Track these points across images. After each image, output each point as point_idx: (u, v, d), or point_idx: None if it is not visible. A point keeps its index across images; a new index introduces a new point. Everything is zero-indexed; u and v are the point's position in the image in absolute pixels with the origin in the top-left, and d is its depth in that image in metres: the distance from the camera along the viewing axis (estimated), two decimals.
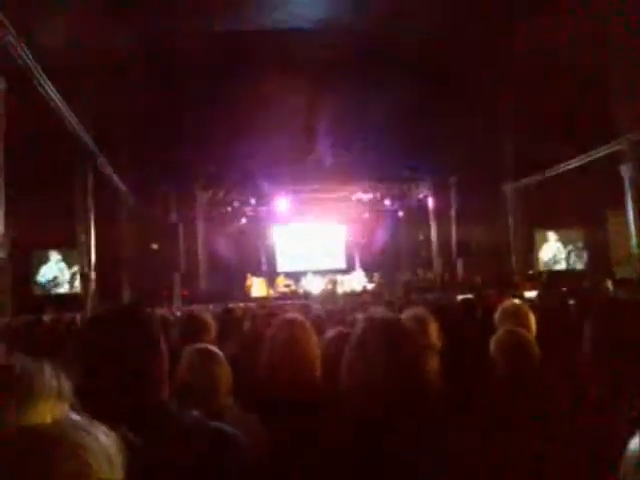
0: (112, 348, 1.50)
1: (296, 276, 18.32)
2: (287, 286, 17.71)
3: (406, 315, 2.84)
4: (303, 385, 2.53)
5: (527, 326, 3.25)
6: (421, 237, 19.85)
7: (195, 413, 1.57)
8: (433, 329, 2.98)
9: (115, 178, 14.64)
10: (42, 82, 9.49)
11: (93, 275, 13.04)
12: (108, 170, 13.92)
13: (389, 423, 1.49)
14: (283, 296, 16.30)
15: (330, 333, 2.65)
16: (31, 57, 8.82)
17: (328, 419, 1.83)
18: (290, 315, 3.12)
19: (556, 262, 18.12)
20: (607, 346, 1.61)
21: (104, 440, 0.84)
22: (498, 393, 2.54)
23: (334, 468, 1.56)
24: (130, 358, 1.49)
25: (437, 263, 18.83)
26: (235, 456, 1.50)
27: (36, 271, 15.41)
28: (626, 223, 13.74)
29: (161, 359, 1.56)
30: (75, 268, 14.37)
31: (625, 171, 13.50)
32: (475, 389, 2.53)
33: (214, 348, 2.52)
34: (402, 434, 1.47)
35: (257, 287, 17.40)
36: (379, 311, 2.03)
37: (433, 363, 2.39)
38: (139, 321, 1.58)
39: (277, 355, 2.69)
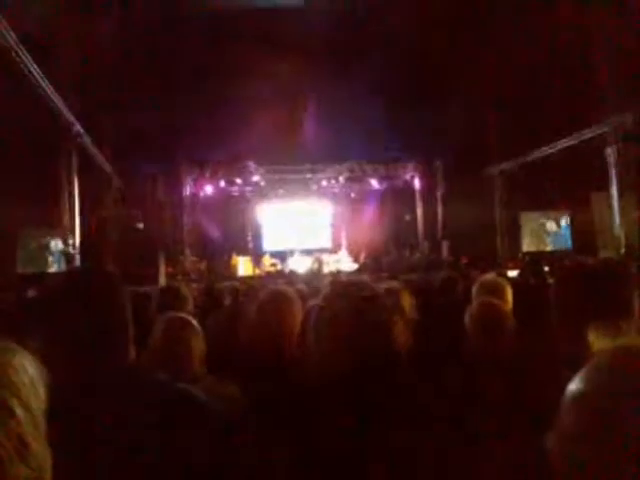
0: (71, 308, 1.45)
1: (282, 255, 18.33)
2: (273, 265, 17.73)
3: (381, 287, 2.85)
4: (285, 354, 2.55)
5: (504, 299, 3.28)
6: (407, 218, 19.90)
7: (162, 375, 1.55)
8: (407, 301, 3.00)
9: (100, 158, 14.53)
10: (25, 61, 9.34)
11: (77, 255, 12.96)
12: (93, 150, 13.80)
13: (353, 384, 1.49)
14: (269, 275, 16.31)
15: (309, 304, 2.67)
16: (14, 36, 8.67)
17: (298, 384, 1.84)
18: (277, 287, 3.14)
19: (541, 243, 18.23)
20: (571, 307, 1.64)
21: (29, 368, 0.85)
22: (470, 364, 2.57)
23: (302, 433, 1.55)
24: (91, 317, 1.45)
25: (423, 244, 18.90)
26: (202, 418, 1.46)
27: (20, 250, 15.29)
28: (610, 205, 13.85)
29: (125, 317, 1.51)
30: (59, 248, 14.28)
31: (609, 154, 13.57)
32: (448, 360, 2.56)
33: (188, 317, 2.51)
34: (367, 396, 1.48)
35: (243, 266, 17.39)
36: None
37: (402, 330, 2.41)
38: (101, 280, 1.54)
39: (261, 322, 2.70)
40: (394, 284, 3.25)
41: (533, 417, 1.13)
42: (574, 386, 0.78)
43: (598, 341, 1.51)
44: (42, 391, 0.87)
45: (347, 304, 1.54)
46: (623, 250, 13.25)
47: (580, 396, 0.76)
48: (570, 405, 0.77)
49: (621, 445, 0.69)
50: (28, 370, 0.86)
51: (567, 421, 0.76)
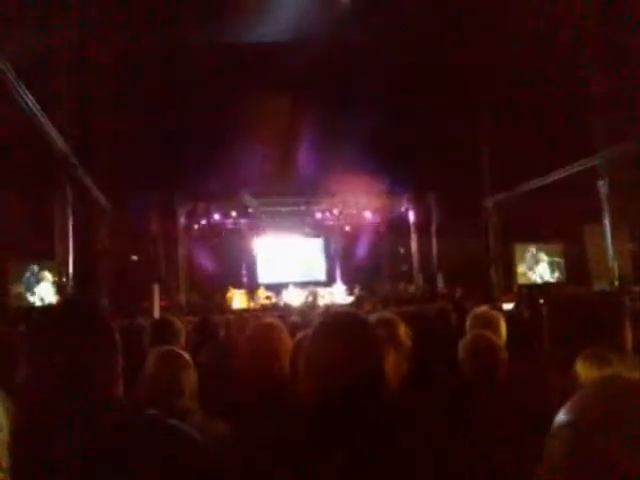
0: (58, 342, 1.43)
1: (277, 288, 18.28)
2: (267, 298, 17.67)
3: (373, 318, 2.85)
4: (276, 384, 2.54)
5: (497, 331, 3.27)
6: (402, 250, 19.93)
7: (152, 411, 1.51)
8: (402, 332, 2.98)
9: (94, 190, 14.56)
10: (20, 91, 9.40)
11: (70, 287, 12.90)
12: (87, 182, 13.84)
13: (341, 413, 1.48)
14: (263, 308, 16.25)
15: (300, 334, 2.66)
16: (8, 65, 8.73)
17: (291, 417, 1.82)
18: (267, 319, 3.14)
19: (535, 275, 18.28)
20: (563, 337, 1.64)
21: None
22: (462, 395, 2.56)
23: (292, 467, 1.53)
24: (78, 351, 1.42)
25: (417, 276, 18.90)
26: (190, 455, 1.42)
27: (13, 282, 15.22)
28: (603, 237, 13.92)
29: (112, 352, 1.49)
30: (53, 279, 14.21)
31: (602, 186, 13.68)
32: (440, 390, 2.55)
33: (180, 351, 2.49)
34: (354, 424, 1.47)
35: (238, 299, 17.33)
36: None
37: (398, 360, 2.40)
38: (86, 313, 1.51)
39: (252, 354, 2.70)
40: (390, 315, 3.24)
41: (524, 446, 1.12)
42: (561, 417, 0.78)
43: (586, 371, 1.51)
44: (5, 425, 0.85)
45: (337, 334, 1.54)
46: (617, 282, 13.28)
47: (566, 427, 0.77)
48: (557, 435, 0.78)
49: (607, 476, 0.70)
50: None
51: (555, 451, 0.77)
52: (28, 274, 15.41)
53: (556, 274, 18.12)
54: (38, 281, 15.43)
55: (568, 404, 0.79)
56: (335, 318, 1.63)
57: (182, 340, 3.30)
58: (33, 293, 15.38)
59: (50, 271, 14.29)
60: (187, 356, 2.46)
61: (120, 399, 1.48)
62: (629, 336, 1.74)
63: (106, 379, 1.46)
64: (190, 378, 2.38)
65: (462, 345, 2.79)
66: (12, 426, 0.87)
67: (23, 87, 9.44)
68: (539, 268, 18.26)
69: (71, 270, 12.79)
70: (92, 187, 14.27)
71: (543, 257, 18.22)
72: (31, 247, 14.60)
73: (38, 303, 14.95)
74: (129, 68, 13.10)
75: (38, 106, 10.16)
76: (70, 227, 12.79)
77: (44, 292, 15.28)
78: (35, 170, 12.72)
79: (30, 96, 9.77)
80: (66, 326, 1.46)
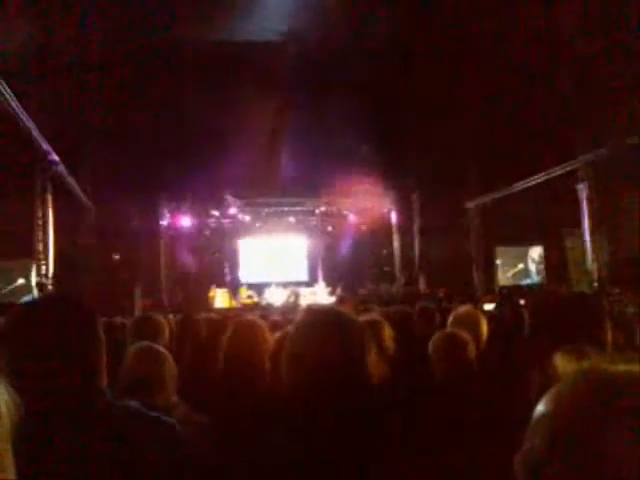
0: (41, 333, 1.42)
1: (259, 288, 18.27)
2: (249, 297, 17.65)
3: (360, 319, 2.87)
4: (256, 380, 2.55)
5: (477, 331, 3.31)
6: (384, 251, 19.98)
7: (133, 403, 1.53)
8: (387, 334, 3.01)
9: (76, 188, 14.43)
10: (1, 88, 9.31)
11: (51, 286, 12.77)
12: (70, 180, 13.72)
13: (323, 407, 1.49)
14: (245, 307, 16.22)
15: (280, 333, 2.68)
16: None
17: (274, 416, 1.83)
18: (248, 317, 3.16)
19: (515, 278, 18.46)
20: (543, 336, 1.66)
21: None
22: (434, 394, 2.59)
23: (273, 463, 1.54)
24: (63, 343, 1.42)
25: (399, 277, 18.96)
26: (172, 446, 1.45)
27: None
28: (582, 241, 14.07)
29: (96, 344, 1.49)
30: (33, 279, 14.07)
31: (581, 190, 13.82)
32: (417, 390, 2.57)
33: (158, 346, 2.50)
34: (336, 418, 1.48)
35: (220, 298, 17.28)
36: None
37: (378, 360, 2.42)
38: (70, 305, 1.52)
39: (233, 352, 2.71)
40: (373, 315, 3.27)
41: (503, 440, 1.14)
42: (539, 408, 0.79)
43: (564, 365, 1.53)
44: (8, 418, 0.85)
45: (320, 328, 1.55)
46: (596, 284, 13.43)
47: (544, 417, 0.78)
48: (535, 427, 0.78)
49: (584, 465, 0.70)
50: None
51: (532, 442, 0.78)
52: (7, 273, 15.28)
53: (536, 276, 18.31)
54: (18, 279, 15.30)
55: (547, 395, 0.79)
56: (318, 313, 1.63)
57: (166, 337, 3.29)
58: (12, 291, 15.25)
59: (30, 270, 14.16)
60: (166, 352, 2.46)
61: (105, 390, 1.49)
62: (609, 336, 1.76)
63: (91, 369, 1.47)
64: (170, 372, 2.39)
65: (431, 343, 2.84)
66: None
67: (4, 84, 9.35)
68: (519, 270, 18.44)
69: (51, 269, 12.66)
70: (74, 185, 14.16)
71: (524, 260, 18.40)
72: (11, 246, 14.46)
73: (16, 300, 14.82)
74: (113, 66, 13.01)
75: (18, 103, 10.07)
76: (51, 225, 12.66)
77: (23, 290, 15.15)
78: (16, 168, 12.60)
79: (11, 92, 9.68)
80: (51, 317, 1.46)
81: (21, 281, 15.33)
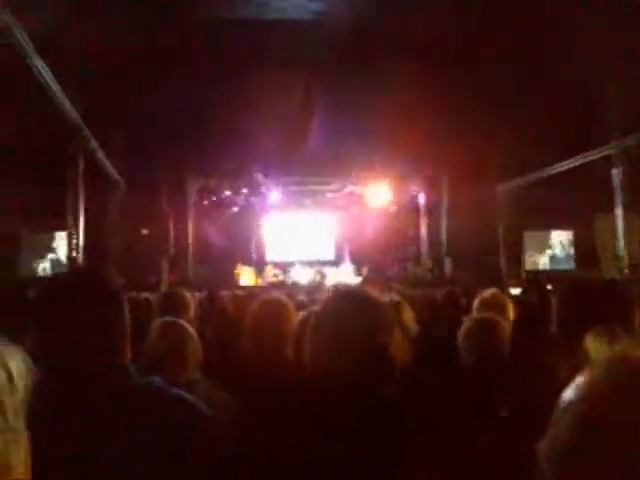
0: (71, 306, 1.45)
1: (285, 266, 18.32)
2: (275, 276, 17.72)
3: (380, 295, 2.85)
4: (282, 363, 2.55)
5: (504, 315, 3.27)
6: (411, 233, 19.86)
7: (156, 379, 1.54)
8: (408, 315, 3.00)
9: (107, 164, 14.59)
10: (36, 62, 9.38)
11: (81, 259, 12.97)
12: (100, 155, 13.86)
13: (346, 390, 1.48)
14: (271, 285, 16.30)
15: (304, 312, 2.67)
16: (25, 35, 8.69)
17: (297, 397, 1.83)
18: (274, 295, 3.15)
19: (544, 262, 18.26)
20: (571, 321, 1.64)
21: (11, 364, 0.85)
22: (462, 380, 2.56)
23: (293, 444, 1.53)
24: (88, 319, 1.44)
25: (426, 260, 18.87)
26: (194, 423, 1.46)
27: (23, 253, 15.37)
28: (614, 226, 13.87)
29: (121, 321, 1.50)
30: (63, 252, 14.31)
31: (616, 175, 13.60)
32: (442, 376, 2.55)
33: (182, 322, 2.51)
34: (359, 403, 1.47)
35: (246, 276, 17.40)
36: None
37: (401, 343, 2.41)
38: (98, 281, 1.53)
39: (257, 329, 2.71)
40: (395, 297, 3.24)
41: (530, 428, 1.12)
42: (568, 393, 0.77)
43: (596, 347, 1.50)
44: (21, 388, 0.86)
45: (347, 309, 1.53)
46: (626, 270, 13.24)
47: (574, 403, 0.75)
48: (563, 413, 0.76)
49: (617, 453, 0.68)
50: (8, 366, 0.85)
51: (558, 430, 0.76)
52: (38, 246, 15.57)
53: (565, 262, 18.09)
54: (49, 252, 15.58)
55: (578, 379, 0.77)
56: (344, 299, 1.61)
57: (191, 313, 3.31)
58: (43, 264, 15.54)
59: (61, 243, 14.41)
60: (190, 327, 2.47)
61: (128, 366, 1.50)
62: (638, 323, 1.73)
63: (115, 345, 1.48)
64: (193, 348, 2.40)
65: (461, 329, 2.79)
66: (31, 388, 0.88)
67: (39, 58, 9.42)
68: (548, 255, 18.23)
69: (82, 243, 12.85)
70: (104, 160, 14.30)
71: (552, 245, 18.17)
72: (42, 219, 14.71)
73: (46, 274, 15.11)
74: (144, 42, 13.01)
75: (53, 77, 10.16)
76: (82, 200, 12.83)
77: (54, 263, 15.44)
78: (47, 142, 12.75)
79: (46, 67, 9.76)
80: (78, 292, 1.48)
81: (52, 255, 15.62)
